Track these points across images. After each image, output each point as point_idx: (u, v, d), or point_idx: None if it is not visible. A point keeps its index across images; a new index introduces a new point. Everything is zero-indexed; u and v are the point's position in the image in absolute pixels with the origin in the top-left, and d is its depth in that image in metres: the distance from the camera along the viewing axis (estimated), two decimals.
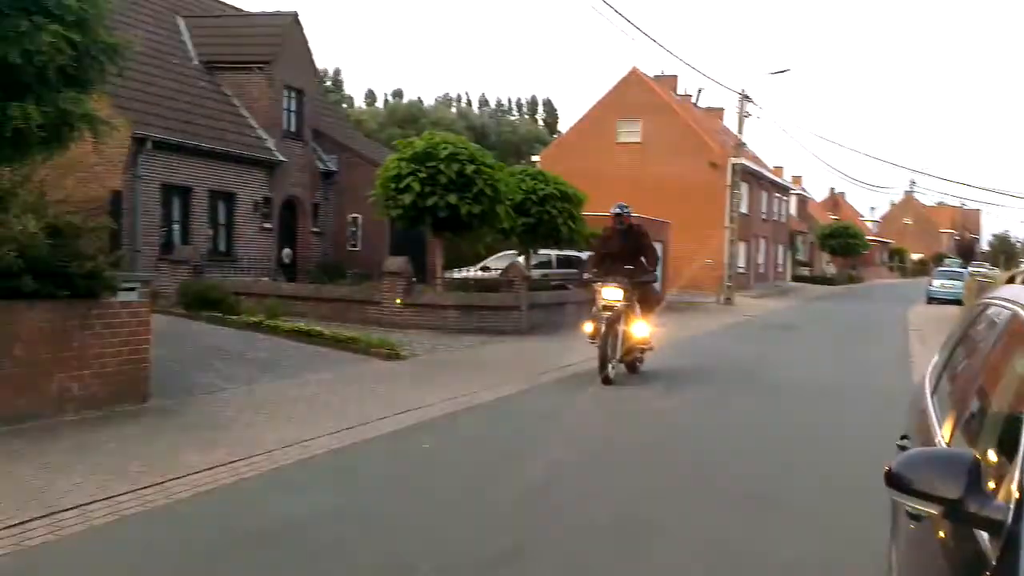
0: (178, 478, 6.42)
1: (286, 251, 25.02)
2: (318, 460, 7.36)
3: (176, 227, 21.83)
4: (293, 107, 25.64)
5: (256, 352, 12.65)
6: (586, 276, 13.71)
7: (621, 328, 11.81)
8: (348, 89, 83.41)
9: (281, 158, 24.55)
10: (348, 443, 7.96)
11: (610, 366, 11.62)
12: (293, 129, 25.56)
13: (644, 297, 12.41)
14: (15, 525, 5.23)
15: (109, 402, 8.53)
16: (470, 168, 17.37)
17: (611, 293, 11.84)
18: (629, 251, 12.31)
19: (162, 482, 6.28)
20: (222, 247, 23.28)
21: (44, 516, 5.41)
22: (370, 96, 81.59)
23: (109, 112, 14.45)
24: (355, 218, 26.58)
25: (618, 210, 12.42)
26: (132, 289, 9.24)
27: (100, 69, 9.50)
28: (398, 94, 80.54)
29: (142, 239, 20.25)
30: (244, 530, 5.48)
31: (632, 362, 12.47)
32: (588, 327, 12.08)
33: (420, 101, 75.96)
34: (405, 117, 67.16)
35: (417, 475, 7.12)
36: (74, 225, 8.45)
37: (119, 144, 18.86)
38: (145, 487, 6.13)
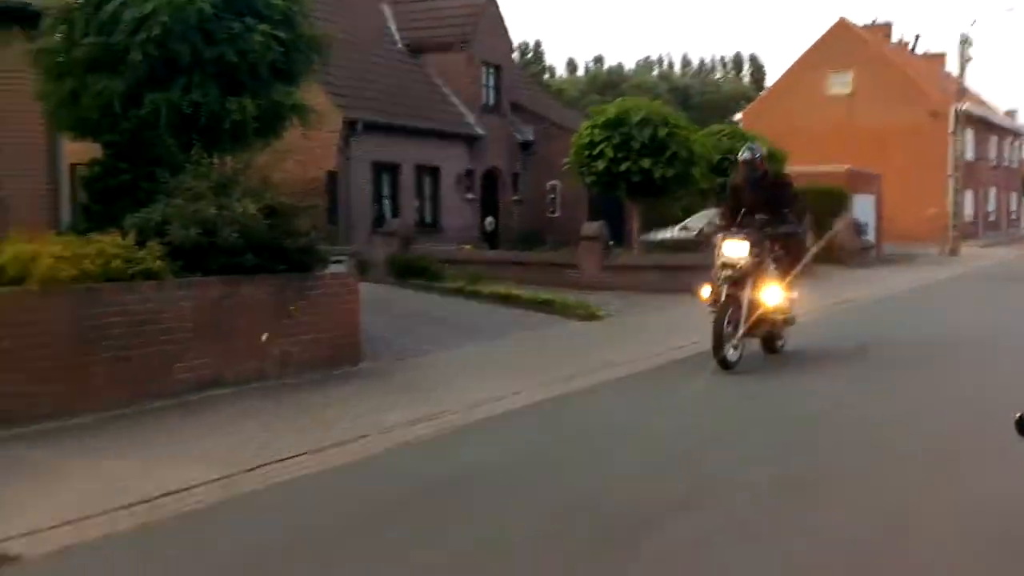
0: (382, 433, 7.02)
1: (489, 220, 25.90)
2: (511, 416, 7.80)
3: (386, 202, 23.12)
4: (491, 82, 26.43)
5: (458, 316, 13.33)
6: (706, 229, 11.00)
7: (746, 295, 9.34)
8: (549, 59, 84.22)
9: (481, 132, 25.39)
10: (539, 399, 8.35)
11: (729, 346, 9.24)
12: (492, 103, 26.34)
13: (782, 254, 9.97)
14: (246, 471, 5.96)
15: (324, 366, 9.34)
16: (663, 132, 17.39)
17: (733, 247, 9.46)
18: (763, 203, 9.92)
19: (367, 436, 6.89)
20: (428, 219, 24.41)
21: (265, 465, 6.12)
22: (571, 65, 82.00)
23: (321, 100, 15.58)
24: (553, 186, 27.10)
25: (747, 154, 10.24)
26: (341, 261, 10.03)
27: (306, 61, 10.34)
28: (599, 60, 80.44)
29: (356, 214, 21.61)
30: (437, 478, 5.96)
31: (770, 337, 10.08)
32: (705, 291, 9.62)
33: (621, 66, 75.61)
34: (606, 83, 67.06)
35: (599, 431, 7.40)
36: (289, 205, 9.28)
37: (332, 128, 20.20)
38: (351, 440, 6.76)
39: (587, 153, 17.96)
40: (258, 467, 6.06)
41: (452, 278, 16.21)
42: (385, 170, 22.96)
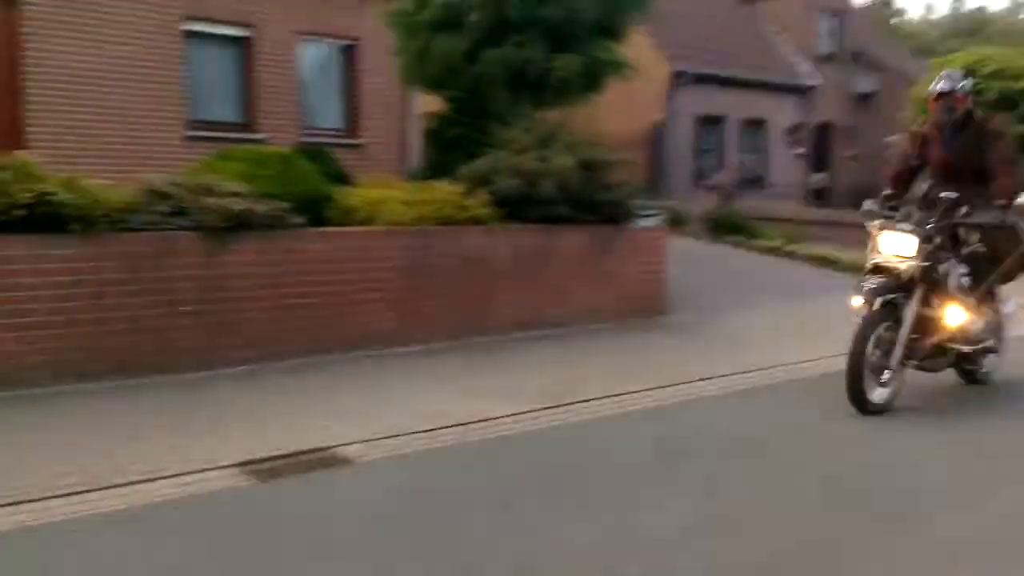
0: (674, 386, 7.26)
1: (818, 176, 24.93)
2: (799, 383, 7.60)
3: (709, 155, 23.03)
4: (829, 30, 25.22)
5: (769, 276, 13.19)
6: (866, 206, 6.78)
7: (912, 311, 6.27)
8: (903, 1, 77.85)
9: (813, 83, 24.37)
10: (831, 370, 8.02)
11: (876, 384, 6.29)
12: (828, 52, 25.17)
13: (981, 251, 6.54)
14: (550, 407, 6.47)
15: (628, 315, 9.76)
16: (1018, 86, 15.81)
17: (895, 242, 6.34)
18: (961, 166, 6.58)
19: (660, 387, 7.19)
20: (753, 173, 23.98)
21: (565, 404, 6.62)
22: (928, 7, 75.29)
23: (647, 52, 15.86)
24: (893, 141, 25.45)
25: (944, 85, 6.53)
26: (651, 216, 10.35)
27: (629, 18, 10.68)
28: (958, 1, 73.07)
29: (678, 167, 21.79)
30: (714, 436, 6.02)
31: (964, 365, 6.90)
32: (856, 301, 6.45)
33: (983, 9, 68.24)
34: (968, 28, 60.88)
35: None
36: (603, 160, 9.74)
37: (660, 80, 20.45)
38: (645, 390, 7.09)
39: (926, 109, 16.75)
40: (560, 405, 6.58)
41: (770, 236, 15.97)
42: (709, 122, 22.86)
